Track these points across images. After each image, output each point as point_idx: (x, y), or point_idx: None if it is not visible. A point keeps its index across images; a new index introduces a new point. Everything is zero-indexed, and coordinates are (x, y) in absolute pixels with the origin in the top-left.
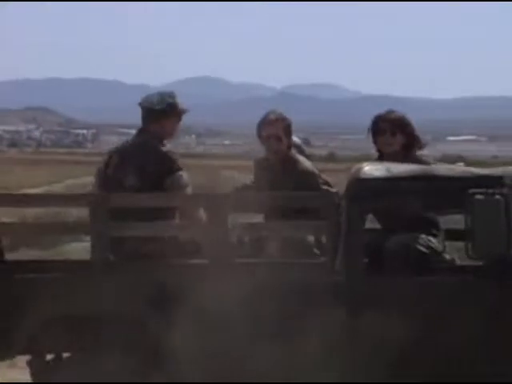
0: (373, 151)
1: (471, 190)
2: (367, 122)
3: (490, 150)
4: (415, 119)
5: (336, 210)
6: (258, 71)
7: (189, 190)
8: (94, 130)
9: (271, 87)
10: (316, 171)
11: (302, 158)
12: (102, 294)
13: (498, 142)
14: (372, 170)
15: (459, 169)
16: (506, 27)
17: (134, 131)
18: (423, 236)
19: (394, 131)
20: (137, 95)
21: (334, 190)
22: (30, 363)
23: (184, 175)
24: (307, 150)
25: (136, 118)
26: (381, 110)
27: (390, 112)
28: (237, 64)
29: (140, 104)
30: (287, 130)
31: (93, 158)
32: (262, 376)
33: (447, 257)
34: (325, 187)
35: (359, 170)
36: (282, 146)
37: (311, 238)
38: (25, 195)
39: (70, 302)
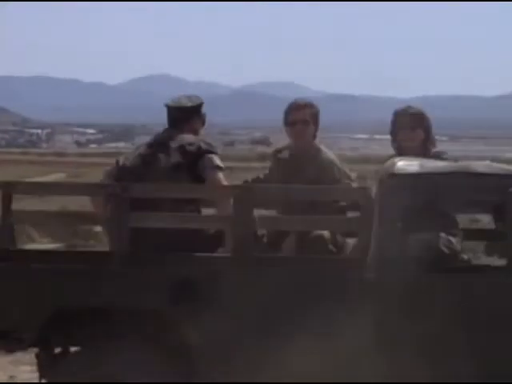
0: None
1: None
2: (331, 120)
3: (455, 149)
4: (381, 118)
5: (370, 206)
6: (216, 70)
7: (220, 176)
8: (48, 130)
9: (229, 86)
10: (338, 163)
11: (325, 148)
12: (122, 287)
13: (462, 142)
14: (406, 165)
15: (497, 166)
16: (470, 27)
17: (91, 130)
18: (443, 235)
19: (414, 126)
20: (93, 93)
21: (355, 184)
22: (37, 356)
23: (217, 158)
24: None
25: (92, 116)
26: (345, 108)
27: (410, 107)
28: (194, 62)
29: (167, 105)
30: (315, 117)
31: (47, 158)
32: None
33: (465, 257)
34: (347, 181)
35: (393, 164)
36: (309, 131)
37: (327, 234)
38: (41, 184)
39: (84, 294)
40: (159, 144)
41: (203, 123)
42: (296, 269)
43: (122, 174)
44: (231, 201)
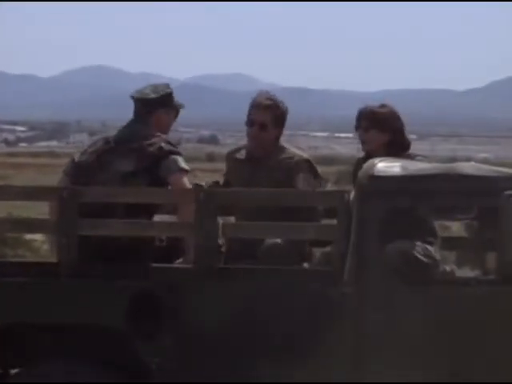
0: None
1: (508, 192)
2: (288, 116)
3: (424, 149)
4: (341, 115)
5: (347, 211)
6: (160, 61)
7: (185, 180)
8: None
9: (173, 78)
10: (309, 164)
11: (292, 147)
12: (69, 301)
13: (431, 140)
14: (387, 166)
15: (486, 168)
16: (427, 23)
17: (21, 128)
18: (420, 243)
19: (367, 126)
20: (23, 87)
21: (330, 187)
22: None
23: (181, 159)
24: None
25: (22, 112)
26: (301, 103)
27: (371, 107)
28: (136, 53)
29: (132, 96)
30: (279, 119)
31: None
32: None
33: (447, 268)
34: (320, 184)
35: (372, 166)
36: (267, 135)
37: (283, 242)
38: None
39: (27, 309)
40: (118, 141)
41: (176, 115)
42: (265, 281)
43: (77, 173)
44: (193, 206)
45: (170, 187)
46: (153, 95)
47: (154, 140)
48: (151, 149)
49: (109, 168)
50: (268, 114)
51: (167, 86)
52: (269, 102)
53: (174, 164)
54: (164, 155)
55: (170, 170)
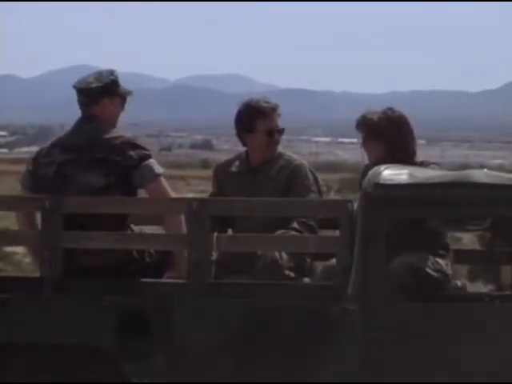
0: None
1: None
2: (285, 120)
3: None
4: (345, 118)
5: (351, 222)
6: (149, 61)
7: (164, 184)
8: None
9: (164, 79)
10: (307, 167)
11: (287, 152)
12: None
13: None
14: (393, 174)
15: (500, 175)
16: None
17: (1, 132)
18: (430, 257)
19: (364, 139)
20: (2, 88)
21: (333, 196)
22: None
23: (155, 163)
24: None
25: (1, 116)
26: (302, 106)
27: (370, 115)
28: (123, 52)
29: (74, 86)
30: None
31: None
32: None
33: (458, 283)
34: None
35: (377, 174)
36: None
37: (284, 257)
38: None
39: (7, 327)
40: (76, 149)
41: (123, 104)
42: (262, 298)
43: (37, 186)
44: (182, 217)
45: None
46: (94, 84)
47: (116, 143)
48: (118, 158)
49: (73, 181)
50: (278, 116)
51: (112, 72)
52: (273, 104)
53: (148, 171)
54: (135, 165)
55: (146, 178)
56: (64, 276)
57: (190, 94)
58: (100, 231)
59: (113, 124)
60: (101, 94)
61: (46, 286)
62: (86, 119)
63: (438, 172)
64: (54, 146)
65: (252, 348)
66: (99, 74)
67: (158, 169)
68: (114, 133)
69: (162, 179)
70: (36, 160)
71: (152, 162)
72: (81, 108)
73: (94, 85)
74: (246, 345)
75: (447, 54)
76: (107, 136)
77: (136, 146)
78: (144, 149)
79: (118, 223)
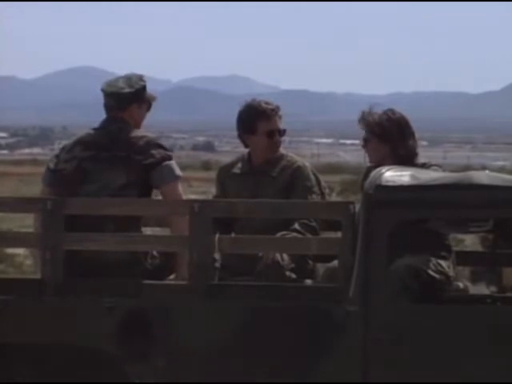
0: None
1: None
2: (286, 121)
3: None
4: (347, 120)
5: (353, 224)
6: (150, 62)
7: (180, 188)
8: None
9: (165, 80)
10: (309, 168)
11: (288, 153)
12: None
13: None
14: (395, 175)
15: (502, 177)
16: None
17: (2, 134)
18: (432, 259)
19: (366, 138)
20: (3, 89)
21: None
22: None
23: (175, 165)
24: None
25: (2, 117)
26: (304, 107)
27: (371, 115)
28: (126, 54)
29: (103, 90)
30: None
31: None
32: None
33: (460, 285)
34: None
35: (379, 175)
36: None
37: (286, 259)
38: None
39: (8, 329)
40: (99, 147)
41: (148, 109)
42: (267, 300)
43: (59, 183)
44: (186, 218)
45: (160, 197)
46: (128, 89)
47: (140, 145)
48: (140, 157)
49: (95, 179)
50: (279, 117)
51: (141, 77)
52: (274, 105)
53: (168, 172)
54: (156, 163)
55: (164, 180)
56: (65, 277)
57: (192, 96)
58: (101, 233)
59: (137, 127)
60: (131, 99)
61: (48, 288)
62: (112, 120)
63: (440, 173)
64: (76, 143)
65: (253, 349)
66: (129, 79)
67: (178, 171)
68: (139, 132)
69: (179, 183)
70: (58, 156)
71: (173, 163)
72: (107, 110)
73: (125, 90)
74: (247, 346)
75: (450, 55)
76: (131, 135)
77: (159, 146)
78: (166, 149)
79: (130, 224)
